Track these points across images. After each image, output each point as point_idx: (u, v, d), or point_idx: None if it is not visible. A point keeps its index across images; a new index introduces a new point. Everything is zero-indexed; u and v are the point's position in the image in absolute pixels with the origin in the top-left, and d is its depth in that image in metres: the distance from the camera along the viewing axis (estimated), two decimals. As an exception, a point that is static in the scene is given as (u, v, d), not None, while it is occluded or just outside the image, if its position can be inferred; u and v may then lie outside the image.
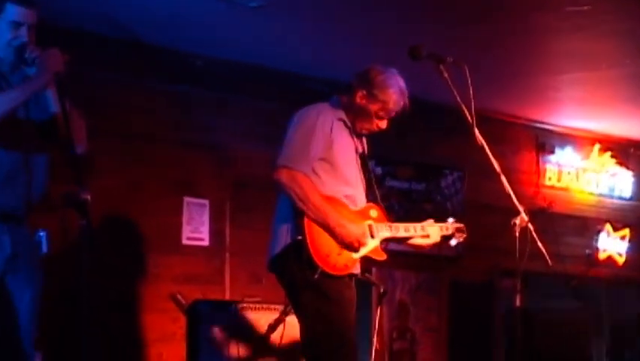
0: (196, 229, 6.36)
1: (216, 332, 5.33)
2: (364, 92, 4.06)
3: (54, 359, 4.61)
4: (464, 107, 3.76)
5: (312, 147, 3.91)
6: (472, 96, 3.68)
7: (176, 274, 6.22)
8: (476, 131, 3.76)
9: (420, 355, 7.39)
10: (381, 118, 4.12)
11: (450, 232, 4.45)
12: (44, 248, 3.77)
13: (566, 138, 8.60)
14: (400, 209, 7.32)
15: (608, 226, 8.71)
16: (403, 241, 4.31)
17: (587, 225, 8.68)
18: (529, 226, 3.83)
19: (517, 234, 3.79)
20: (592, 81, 7.04)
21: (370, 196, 4.25)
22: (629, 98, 7.49)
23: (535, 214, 7.36)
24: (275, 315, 5.27)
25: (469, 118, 3.75)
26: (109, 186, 5.89)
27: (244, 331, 5.36)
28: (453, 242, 4.48)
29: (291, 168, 3.86)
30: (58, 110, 3.47)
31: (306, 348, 3.94)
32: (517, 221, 3.82)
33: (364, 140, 4.27)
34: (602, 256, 8.65)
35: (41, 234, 3.75)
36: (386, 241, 4.18)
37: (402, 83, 4.09)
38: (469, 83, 3.65)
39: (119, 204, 6.01)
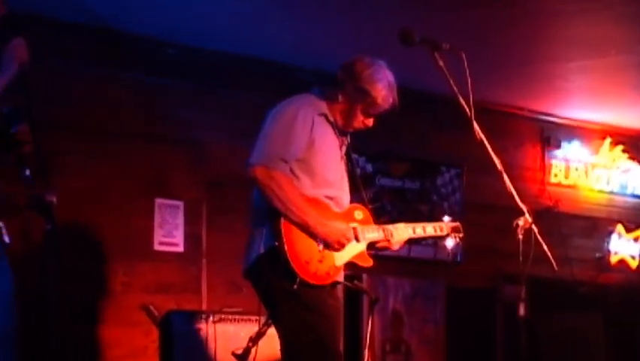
0: (169, 233, 6.38)
1: (192, 346, 5.34)
2: (350, 86, 4.06)
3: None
4: (462, 99, 3.75)
5: (291, 147, 3.91)
6: (470, 86, 3.65)
7: (148, 283, 6.24)
8: (475, 124, 3.75)
9: (415, 369, 7.42)
10: (368, 115, 4.14)
11: (445, 232, 4.49)
12: (6, 238, 3.73)
13: (574, 131, 8.66)
14: (392, 210, 7.36)
15: (619, 227, 8.76)
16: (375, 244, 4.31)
17: (596, 226, 8.73)
18: (534, 227, 3.83)
19: (521, 236, 3.80)
20: (601, 69, 7.09)
21: (356, 198, 4.28)
22: (642, 87, 7.56)
23: (540, 215, 7.46)
24: (257, 327, 5.27)
25: (468, 110, 3.74)
26: (73, 186, 5.90)
27: (223, 345, 5.36)
28: (449, 243, 4.51)
29: (267, 166, 3.87)
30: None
31: (288, 363, 3.97)
32: (521, 222, 3.82)
33: (348, 136, 4.27)
34: (613, 259, 8.71)
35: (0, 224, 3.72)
36: (375, 248, 4.20)
37: (391, 77, 4.10)
38: (467, 72, 3.64)
39: (84, 207, 6.02)
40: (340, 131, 4.16)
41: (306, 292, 3.87)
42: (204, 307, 6.36)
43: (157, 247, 6.34)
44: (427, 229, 4.43)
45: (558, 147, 8.56)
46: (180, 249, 6.43)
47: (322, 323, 3.90)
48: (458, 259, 7.66)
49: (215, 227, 6.54)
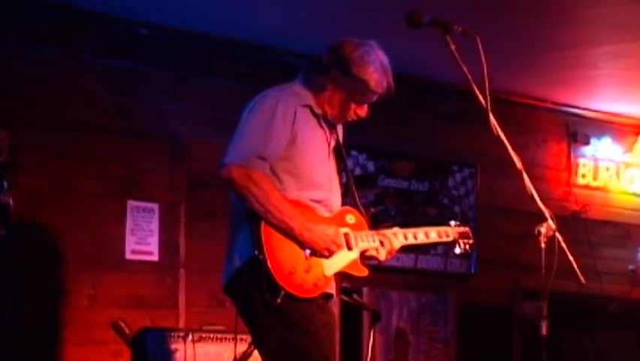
0: (143, 239, 6.38)
1: (168, 368, 5.35)
2: (337, 71, 4.03)
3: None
4: (477, 88, 3.74)
5: (270, 143, 3.90)
6: (486, 74, 3.64)
7: (118, 297, 6.24)
8: (492, 117, 3.74)
9: (422, 396, 7.44)
10: (359, 103, 4.11)
11: (451, 237, 4.48)
12: None
13: (604, 126, 8.68)
14: (397, 214, 7.37)
15: (656, 236, 8.79)
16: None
17: (629, 234, 8.75)
18: (558, 235, 3.81)
19: (543, 245, 3.78)
20: (635, 54, 7.10)
21: (348, 200, 4.27)
22: (682, 77, 7.56)
23: (565, 221, 7.48)
24: (242, 347, 5.28)
25: (483, 101, 3.73)
26: (32, 186, 5.90)
27: (203, 367, 5.37)
28: (457, 250, 4.51)
29: (244, 165, 3.86)
30: None
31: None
32: (543, 229, 3.80)
33: (340, 129, 4.27)
34: (648, 272, 8.72)
35: None
36: (364, 257, 4.17)
37: (384, 58, 4.07)
38: (483, 58, 3.63)
39: (44, 209, 6.01)
40: (329, 125, 4.16)
41: (292, 306, 3.86)
42: (182, 324, 6.37)
43: (129, 256, 6.34)
44: (430, 235, 4.40)
45: (586, 143, 8.58)
46: (155, 258, 6.43)
47: (310, 342, 3.88)
48: (471, 270, 7.67)
49: (195, 233, 6.54)
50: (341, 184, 4.27)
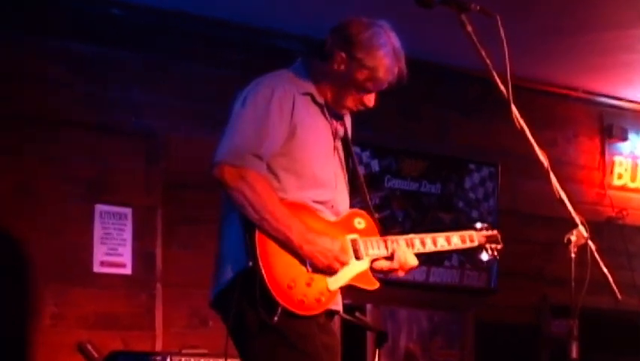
0: (113, 249, 6.38)
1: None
2: (343, 55, 4.03)
3: None
4: (497, 75, 3.74)
5: (266, 138, 3.89)
6: (507, 59, 3.65)
7: (86, 315, 6.23)
8: (514, 108, 3.73)
9: None
10: (367, 91, 4.09)
11: (476, 242, 4.47)
12: None
13: (644, 119, 8.71)
14: (405, 221, 7.38)
15: (703, 245, 8.79)
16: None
17: (673, 242, 8.76)
18: (591, 243, 3.82)
19: (574, 255, 3.78)
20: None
21: (357, 200, 4.27)
22: None
23: (599, 227, 7.49)
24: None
25: (504, 90, 3.73)
26: (-13, 188, 5.91)
27: (183, 396, 5.40)
28: (484, 257, 4.50)
29: (237, 165, 3.85)
30: None
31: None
32: (574, 237, 3.80)
33: (347, 120, 4.28)
34: (694, 286, 8.73)
35: None
36: (375, 270, 4.14)
37: (396, 41, 4.06)
38: (504, 41, 3.63)
39: (1, 214, 6.02)
40: (333, 115, 4.16)
41: (291, 325, 3.84)
42: (159, 346, 6.36)
43: (97, 269, 6.34)
44: (452, 240, 4.39)
45: (623, 139, 8.60)
46: (128, 271, 6.43)
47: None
48: (491, 285, 7.68)
49: (174, 242, 6.55)
50: (348, 183, 4.26)
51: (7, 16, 6.19)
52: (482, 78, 3.80)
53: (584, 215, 3.86)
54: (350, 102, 4.12)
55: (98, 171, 6.40)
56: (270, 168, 3.94)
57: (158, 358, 5.56)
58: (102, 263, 6.35)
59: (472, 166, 7.79)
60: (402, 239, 4.22)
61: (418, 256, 4.26)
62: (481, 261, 4.53)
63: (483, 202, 7.77)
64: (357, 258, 4.08)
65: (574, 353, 3.89)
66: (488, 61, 3.73)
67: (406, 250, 4.19)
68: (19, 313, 6.06)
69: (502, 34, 3.63)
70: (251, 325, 3.85)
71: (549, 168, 3.81)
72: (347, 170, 4.25)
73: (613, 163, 8.57)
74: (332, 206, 4.10)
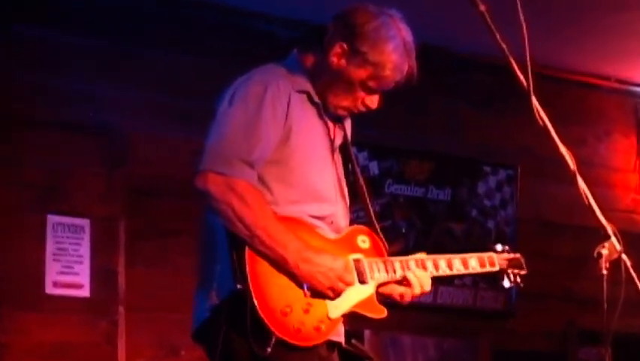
0: (69, 268, 6.37)
1: None
2: (345, 47, 4.03)
3: None
4: (514, 63, 3.71)
5: (258, 143, 3.90)
6: (527, 43, 3.60)
7: (37, 345, 6.23)
8: (535, 101, 3.72)
9: None
10: (370, 91, 4.10)
11: (497, 266, 4.48)
12: None
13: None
14: (409, 231, 7.38)
15: None
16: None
17: None
18: (625, 258, 3.82)
19: (605, 272, 3.78)
20: None
21: (354, 210, 4.26)
22: None
23: (634, 239, 7.44)
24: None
25: (524, 80, 3.71)
26: None
27: None
28: (506, 283, 4.52)
29: (225, 174, 3.84)
30: None
31: None
32: (605, 251, 3.81)
33: (348, 122, 4.29)
34: None
35: None
36: (381, 295, 4.16)
37: (407, 35, 4.07)
38: (524, 24, 3.59)
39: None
40: (332, 117, 4.17)
41: (286, 357, 3.85)
42: (122, 381, 6.36)
43: (50, 290, 6.35)
44: (470, 262, 4.42)
45: (663, 136, 8.60)
46: (85, 293, 6.44)
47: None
48: (510, 307, 7.69)
49: (139, 258, 6.55)
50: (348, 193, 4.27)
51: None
52: (498, 66, 3.79)
53: (617, 225, 3.86)
54: (349, 102, 4.13)
55: (50, 176, 6.41)
56: (260, 179, 3.93)
57: (122, 394, 5.56)
58: (55, 284, 6.36)
59: (487, 168, 7.83)
60: (411, 260, 4.24)
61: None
62: (502, 288, 4.55)
63: (500, 210, 7.81)
64: (362, 282, 4.09)
65: (606, 384, 3.90)
66: (504, 45, 3.70)
67: (423, 275, 4.20)
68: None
69: (521, 15, 3.61)
70: (240, 357, 3.86)
71: (576, 171, 3.79)
72: (347, 179, 4.26)
73: (651, 165, 8.60)
74: (332, 222, 4.12)
